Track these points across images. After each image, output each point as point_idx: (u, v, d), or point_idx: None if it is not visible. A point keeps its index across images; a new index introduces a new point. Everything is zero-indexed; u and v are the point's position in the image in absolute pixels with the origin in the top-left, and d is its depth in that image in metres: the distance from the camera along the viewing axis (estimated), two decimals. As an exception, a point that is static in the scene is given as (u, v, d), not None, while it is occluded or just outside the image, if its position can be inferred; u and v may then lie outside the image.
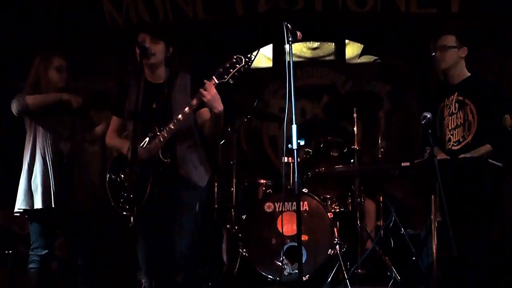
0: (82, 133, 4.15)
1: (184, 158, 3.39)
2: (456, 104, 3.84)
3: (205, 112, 3.38)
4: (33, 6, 5.74)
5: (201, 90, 3.19)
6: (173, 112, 3.34)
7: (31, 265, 3.97)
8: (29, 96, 3.94)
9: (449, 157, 3.75)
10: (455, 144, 3.82)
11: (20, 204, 3.93)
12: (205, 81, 3.20)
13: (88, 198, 4.08)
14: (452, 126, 3.85)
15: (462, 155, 3.67)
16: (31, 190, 3.92)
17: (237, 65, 3.18)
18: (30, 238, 4.02)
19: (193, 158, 3.43)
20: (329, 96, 5.40)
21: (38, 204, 3.89)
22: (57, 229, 4.11)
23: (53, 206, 3.90)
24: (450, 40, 3.88)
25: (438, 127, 3.93)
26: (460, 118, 3.80)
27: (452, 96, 3.88)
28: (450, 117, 3.86)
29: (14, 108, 3.95)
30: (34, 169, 3.94)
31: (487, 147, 3.69)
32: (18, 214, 3.98)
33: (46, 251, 3.96)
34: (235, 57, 3.20)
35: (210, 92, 3.18)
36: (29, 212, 3.93)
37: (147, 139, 3.33)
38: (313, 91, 5.70)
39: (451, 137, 3.85)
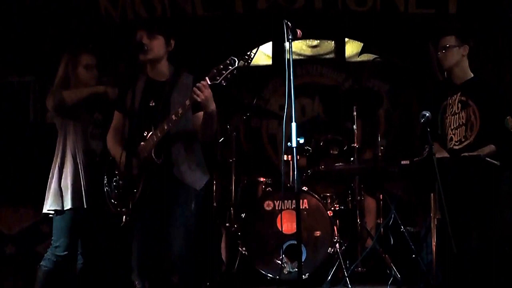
0: None
1: (179, 160, 3.35)
2: (459, 104, 3.88)
3: (201, 116, 3.36)
4: (29, 2, 5.71)
5: (194, 89, 3.17)
6: (171, 111, 3.32)
7: (43, 263, 3.89)
8: (65, 91, 3.87)
9: (448, 155, 3.76)
10: (456, 144, 3.83)
11: (50, 205, 3.88)
12: (202, 82, 3.19)
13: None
14: (454, 126, 3.87)
15: (464, 154, 3.67)
16: (61, 190, 3.88)
17: (230, 67, 3.13)
18: (53, 237, 3.93)
19: (189, 160, 3.40)
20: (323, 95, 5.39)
21: (68, 204, 3.85)
22: (84, 230, 3.99)
23: (84, 206, 3.86)
24: (450, 40, 3.96)
25: (440, 125, 3.95)
26: (463, 118, 3.84)
27: (455, 96, 3.91)
28: (453, 117, 3.89)
29: (51, 103, 3.88)
30: (65, 169, 3.90)
31: (491, 147, 3.71)
32: (52, 215, 3.91)
33: (66, 252, 3.88)
34: (229, 59, 3.16)
35: (204, 92, 3.15)
36: (58, 212, 3.88)
37: (146, 136, 3.32)
38: (313, 89, 5.69)
39: (453, 136, 3.87)
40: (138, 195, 3.28)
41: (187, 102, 3.21)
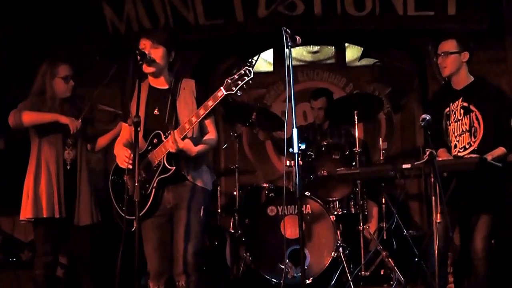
0: (86, 142, 4.16)
1: (190, 165, 3.40)
2: (461, 110, 3.78)
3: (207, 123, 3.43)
4: (34, 14, 5.76)
5: (212, 100, 3.20)
6: (178, 118, 3.36)
7: (37, 271, 3.96)
8: (26, 112, 3.91)
9: (451, 158, 3.73)
10: (461, 150, 3.76)
11: (27, 213, 3.92)
12: (217, 92, 3.20)
13: (92, 208, 4.07)
14: (458, 132, 3.80)
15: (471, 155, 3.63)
16: (37, 198, 3.93)
17: (246, 77, 3.16)
18: (36, 245, 4.04)
19: (199, 163, 3.44)
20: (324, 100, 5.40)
21: (43, 213, 3.91)
22: (62, 237, 4.10)
23: (57, 215, 3.92)
24: (451, 45, 3.79)
25: (445, 133, 3.89)
26: (466, 124, 3.76)
27: (457, 102, 3.81)
28: (456, 123, 3.81)
29: (10, 121, 3.94)
30: (40, 178, 3.95)
31: (501, 150, 3.64)
32: (24, 222, 3.99)
33: (51, 257, 3.98)
34: (243, 69, 3.18)
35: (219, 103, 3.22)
36: (35, 220, 3.94)
37: (156, 144, 3.35)
38: (314, 95, 5.71)
39: (457, 143, 3.79)
40: (150, 202, 3.32)
41: (201, 112, 3.23)
